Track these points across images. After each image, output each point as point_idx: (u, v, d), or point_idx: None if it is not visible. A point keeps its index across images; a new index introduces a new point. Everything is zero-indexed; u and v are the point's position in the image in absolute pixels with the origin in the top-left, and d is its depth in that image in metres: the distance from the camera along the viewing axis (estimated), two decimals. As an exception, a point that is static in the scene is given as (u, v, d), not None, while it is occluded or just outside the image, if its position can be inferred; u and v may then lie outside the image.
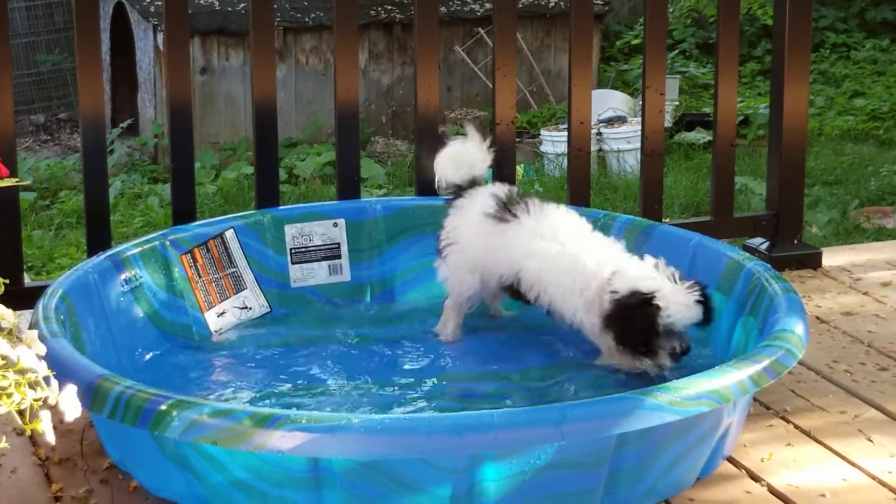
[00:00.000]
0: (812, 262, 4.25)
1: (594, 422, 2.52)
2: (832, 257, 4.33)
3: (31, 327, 2.86)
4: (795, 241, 4.30)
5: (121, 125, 10.18)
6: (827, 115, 10.16)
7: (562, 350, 3.44)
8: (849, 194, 7.88)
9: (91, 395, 2.57)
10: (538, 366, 3.35)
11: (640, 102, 4.23)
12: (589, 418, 2.52)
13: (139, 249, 3.47)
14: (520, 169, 8.61)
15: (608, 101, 9.71)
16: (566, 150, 4.17)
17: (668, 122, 9.05)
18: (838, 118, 10.05)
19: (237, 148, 9.77)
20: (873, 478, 2.81)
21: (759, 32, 11.64)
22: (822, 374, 3.37)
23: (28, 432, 2.01)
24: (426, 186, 4.00)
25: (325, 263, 3.78)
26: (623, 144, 9.19)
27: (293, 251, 3.75)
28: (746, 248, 4.27)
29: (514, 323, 3.66)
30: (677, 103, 10.03)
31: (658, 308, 3.10)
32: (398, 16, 10.41)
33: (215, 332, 3.57)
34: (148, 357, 3.38)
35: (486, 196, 3.49)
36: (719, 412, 2.69)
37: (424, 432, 2.45)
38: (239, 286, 3.64)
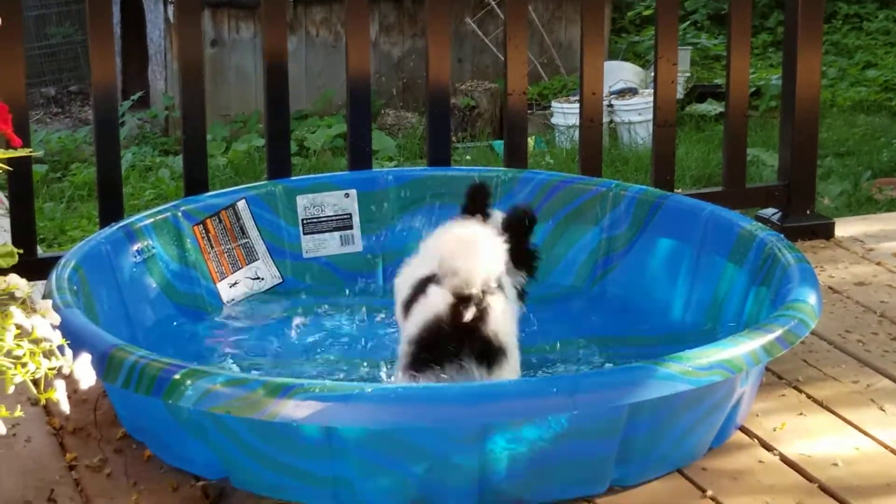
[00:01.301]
0: (824, 232, 4.24)
1: (607, 391, 2.53)
2: (845, 228, 4.32)
3: (44, 297, 2.87)
4: (808, 212, 4.29)
5: (132, 98, 10.17)
6: (839, 86, 10.11)
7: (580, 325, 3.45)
8: (861, 165, 7.85)
9: (105, 364, 2.58)
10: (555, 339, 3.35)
11: (652, 74, 4.21)
12: (601, 388, 2.53)
13: (151, 220, 3.47)
14: (531, 141, 8.60)
15: (619, 73, 9.67)
16: (577, 121, 4.15)
17: (679, 93, 9.02)
18: (851, 89, 10.00)
19: (248, 120, 9.75)
20: (885, 447, 2.82)
21: (771, 3, 11.57)
22: (835, 344, 3.37)
23: (42, 402, 2.02)
24: (437, 158, 4.00)
25: (336, 234, 3.77)
26: (634, 116, 9.16)
27: (305, 222, 3.75)
28: (759, 219, 4.25)
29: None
30: (689, 75, 9.99)
31: None
32: (409, -13, 10.37)
33: (227, 302, 3.58)
34: (160, 327, 3.39)
35: None
36: (732, 382, 2.69)
37: (437, 401, 2.46)
38: (251, 257, 3.64)
